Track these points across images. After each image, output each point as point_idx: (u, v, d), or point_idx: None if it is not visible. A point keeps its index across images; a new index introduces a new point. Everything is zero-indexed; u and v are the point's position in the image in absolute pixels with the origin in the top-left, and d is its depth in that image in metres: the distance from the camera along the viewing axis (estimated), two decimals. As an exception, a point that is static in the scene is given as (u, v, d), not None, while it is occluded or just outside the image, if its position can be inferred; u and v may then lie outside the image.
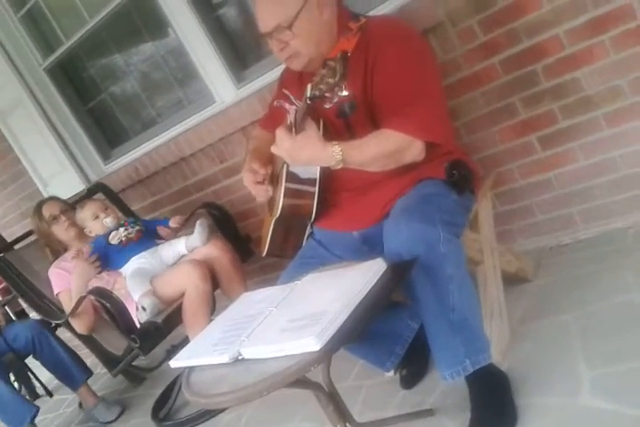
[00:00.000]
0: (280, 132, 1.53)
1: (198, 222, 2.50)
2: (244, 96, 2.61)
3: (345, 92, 1.49)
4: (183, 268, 2.40)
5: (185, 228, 2.70)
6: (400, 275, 1.39)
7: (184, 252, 2.54)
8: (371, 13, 2.07)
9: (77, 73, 3.35)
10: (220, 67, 2.69)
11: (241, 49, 2.73)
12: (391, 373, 1.89)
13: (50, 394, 3.31)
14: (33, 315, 3.58)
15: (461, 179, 1.67)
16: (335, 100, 1.58)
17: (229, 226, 2.67)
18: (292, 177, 1.74)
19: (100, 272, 2.56)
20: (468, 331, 1.51)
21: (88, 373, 3.06)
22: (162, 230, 2.71)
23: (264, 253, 1.91)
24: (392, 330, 1.77)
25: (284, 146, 1.52)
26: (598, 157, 2.01)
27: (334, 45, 1.66)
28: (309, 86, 1.50)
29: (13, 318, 3.68)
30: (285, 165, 1.73)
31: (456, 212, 1.64)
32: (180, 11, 2.65)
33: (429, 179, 1.66)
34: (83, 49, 3.21)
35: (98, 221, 2.62)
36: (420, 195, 1.60)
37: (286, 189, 1.73)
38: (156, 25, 2.88)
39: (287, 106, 1.76)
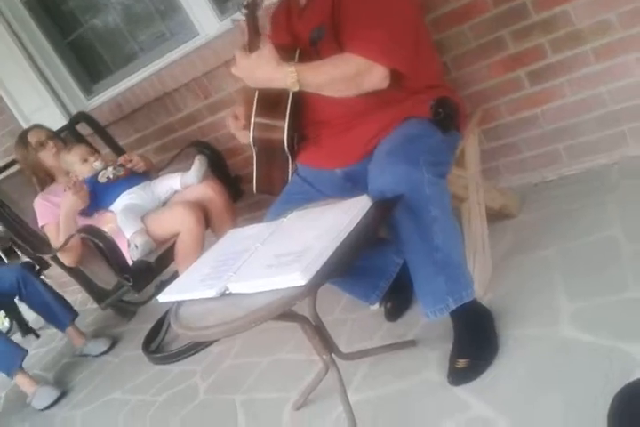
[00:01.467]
0: (236, 52, 1.49)
1: (197, 158, 2.44)
2: (228, 28, 2.49)
3: None
4: (178, 210, 2.36)
5: (176, 164, 2.65)
6: (384, 212, 1.38)
7: (178, 188, 2.50)
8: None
9: (56, 5, 3.18)
10: None
11: None
12: (376, 306, 1.91)
13: (37, 335, 3.32)
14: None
15: (447, 117, 1.63)
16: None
17: (220, 166, 2.62)
18: (262, 110, 1.70)
19: (85, 211, 2.49)
20: (451, 270, 1.51)
21: (73, 313, 3.06)
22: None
23: (255, 190, 1.88)
24: (377, 265, 1.78)
25: (241, 66, 1.48)
26: (586, 93, 1.98)
27: None
28: None
29: (2, 256, 3.67)
30: (256, 97, 1.68)
31: (441, 151, 1.60)
32: None
33: (414, 117, 1.61)
34: None
35: (87, 165, 2.55)
36: (404, 135, 1.56)
37: (255, 123, 1.70)
38: None
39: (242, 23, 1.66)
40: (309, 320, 1.49)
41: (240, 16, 1.49)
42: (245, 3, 1.46)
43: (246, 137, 1.76)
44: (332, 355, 1.56)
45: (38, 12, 3.19)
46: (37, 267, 3.17)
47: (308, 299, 1.43)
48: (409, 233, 1.48)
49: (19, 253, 3.70)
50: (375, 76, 1.49)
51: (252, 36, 1.48)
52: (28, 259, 3.24)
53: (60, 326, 3.05)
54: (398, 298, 1.90)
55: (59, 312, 3.01)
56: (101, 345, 2.99)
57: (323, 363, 1.59)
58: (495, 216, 1.99)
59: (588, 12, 1.84)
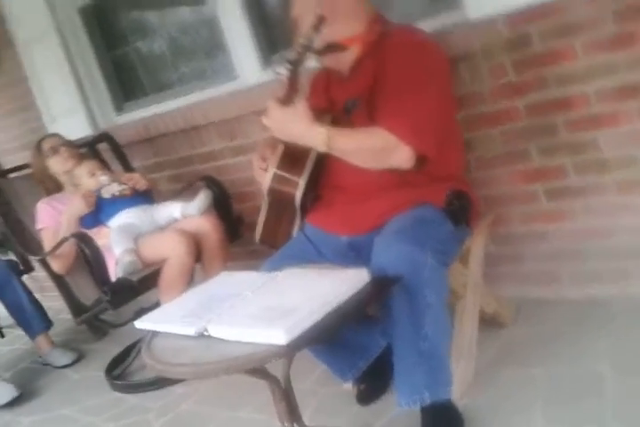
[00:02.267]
0: (270, 103, 1.50)
1: (202, 191, 2.45)
2: (268, 78, 2.51)
3: (315, 44, 1.48)
4: (171, 236, 2.34)
5: (183, 195, 2.64)
6: (380, 290, 1.37)
7: (177, 216, 2.48)
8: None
9: (109, 20, 3.23)
10: (250, 45, 2.61)
11: (274, 33, 2.64)
12: (349, 385, 1.85)
13: (2, 335, 3.22)
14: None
15: (461, 210, 1.64)
16: (310, 55, 1.53)
17: (225, 204, 2.61)
18: (284, 163, 1.70)
19: (85, 222, 2.47)
20: (435, 363, 1.48)
21: (47, 323, 2.96)
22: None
23: (257, 239, 1.87)
24: (360, 342, 1.74)
25: (273, 117, 1.49)
26: (599, 222, 1.96)
27: (351, 33, 1.65)
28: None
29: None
30: (281, 149, 1.69)
31: (449, 241, 1.60)
32: None
33: (429, 204, 1.62)
34: None
35: (93, 179, 2.55)
36: (416, 217, 1.57)
37: (274, 174, 1.69)
38: None
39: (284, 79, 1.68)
40: (280, 383, 1.43)
41: (283, 70, 1.51)
42: (291, 58, 1.48)
43: (264, 180, 1.74)
44: (295, 425, 1.48)
45: (90, 22, 3.23)
46: (21, 268, 3.11)
47: (284, 360, 1.39)
48: (401, 315, 1.46)
49: (5, 250, 3.61)
50: (402, 155, 1.51)
51: (289, 91, 1.49)
52: (12, 258, 3.18)
53: (30, 332, 2.94)
54: (374, 383, 1.83)
55: (32, 319, 2.92)
56: (66, 358, 2.90)
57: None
58: (487, 322, 1.95)
59: (617, 143, 1.85)
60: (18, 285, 2.94)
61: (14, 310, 2.94)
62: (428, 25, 1.96)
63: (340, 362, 1.76)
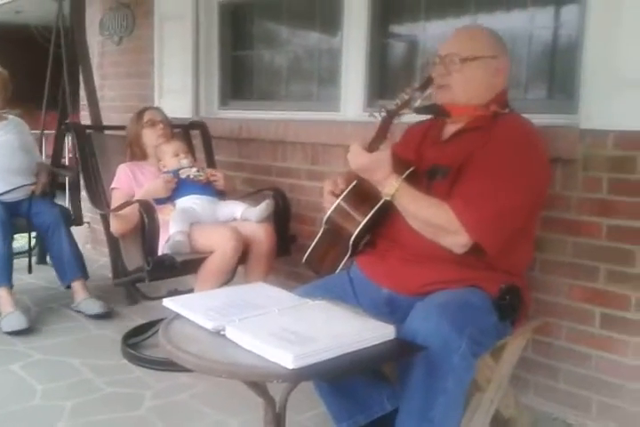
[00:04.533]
0: (354, 146, 1.49)
1: (266, 201, 2.44)
2: (366, 120, 2.53)
3: (418, 102, 1.46)
4: (224, 231, 2.33)
5: (251, 199, 2.66)
6: (401, 353, 1.30)
7: (237, 216, 2.48)
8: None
9: (244, 22, 3.29)
10: (361, 84, 2.63)
11: (387, 80, 2.66)
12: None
13: (30, 270, 3.21)
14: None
15: (510, 306, 1.55)
16: (408, 111, 1.51)
17: (284, 219, 2.59)
18: (351, 198, 1.66)
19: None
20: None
21: (82, 273, 2.95)
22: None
23: (304, 259, 1.82)
24: (366, 397, 1.66)
25: (358, 161, 1.48)
26: None
27: (463, 103, 1.64)
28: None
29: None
30: (354, 183, 1.65)
31: (489, 334, 1.51)
32: (356, 24, 2.61)
33: (480, 289, 1.53)
34: (260, 6, 3.17)
35: (175, 159, 2.58)
36: (464, 299, 1.48)
37: (338, 205, 1.66)
38: (330, 23, 2.79)
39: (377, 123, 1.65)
40: (275, 405, 1.38)
41: (378, 115, 1.52)
42: (388, 108, 1.48)
43: (328, 202, 1.71)
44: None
45: (226, 18, 3.29)
46: (73, 217, 3.18)
47: (287, 385, 1.32)
48: (415, 390, 1.39)
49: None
50: (457, 241, 1.46)
51: (377, 136, 1.49)
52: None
53: (64, 280, 2.95)
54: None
55: (69, 269, 2.94)
56: (99, 307, 2.87)
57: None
58: (499, 425, 1.82)
59: None
60: (65, 233, 2.98)
61: (55, 255, 3.00)
62: (538, 120, 1.90)
63: (341, 409, 1.69)
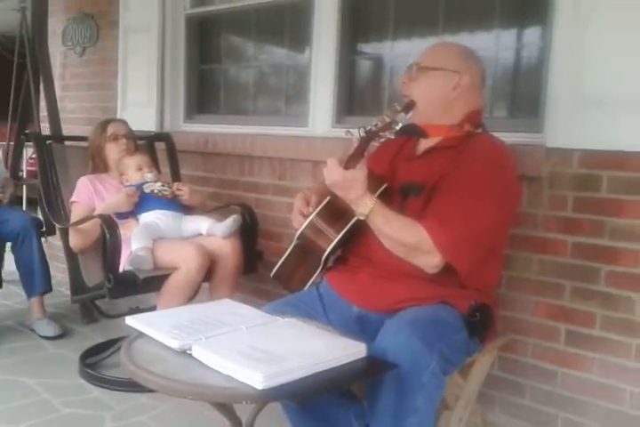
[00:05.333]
0: (331, 163, 1.47)
1: (233, 217, 2.39)
2: (334, 136, 2.50)
3: (399, 125, 1.44)
4: (189, 248, 2.27)
5: (217, 214, 2.60)
6: (373, 371, 1.27)
7: (203, 232, 2.42)
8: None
9: (211, 35, 3.25)
10: (330, 101, 2.62)
11: (355, 97, 2.67)
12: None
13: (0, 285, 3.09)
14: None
15: (480, 323, 1.54)
16: (388, 136, 1.48)
17: (251, 235, 2.54)
18: (325, 214, 1.64)
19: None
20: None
21: (47, 287, 2.86)
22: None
23: (272, 273, 1.80)
24: (333, 417, 1.63)
25: (333, 177, 1.46)
26: (612, 381, 1.83)
27: (437, 123, 1.65)
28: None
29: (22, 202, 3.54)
30: (328, 199, 1.64)
31: (458, 351, 1.49)
32: (325, 41, 2.60)
33: (451, 306, 1.52)
34: (227, 19, 3.13)
35: (139, 173, 2.51)
36: (435, 316, 1.46)
37: (311, 221, 1.64)
38: (299, 39, 2.79)
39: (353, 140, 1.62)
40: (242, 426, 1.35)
41: (356, 134, 1.49)
42: (369, 129, 1.46)
43: (297, 222, 1.69)
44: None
45: (193, 31, 3.26)
46: (44, 229, 3.03)
47: (254, 406, 1.31)
48: (384, 409, 1.36)
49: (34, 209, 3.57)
50: (429, 261, 1.46)
51: (354, 155, 1.46)
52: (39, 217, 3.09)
53: (30, 291, 2.85)
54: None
55: (36, 279, 2.83)
56: (51, 329, 2.78)
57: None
58: None
59: None
60: (36, 242, 2.85)
61: (23, 264, 2.86)
62: (505, 139, 1.91)
63: (307, 429, 1.62)
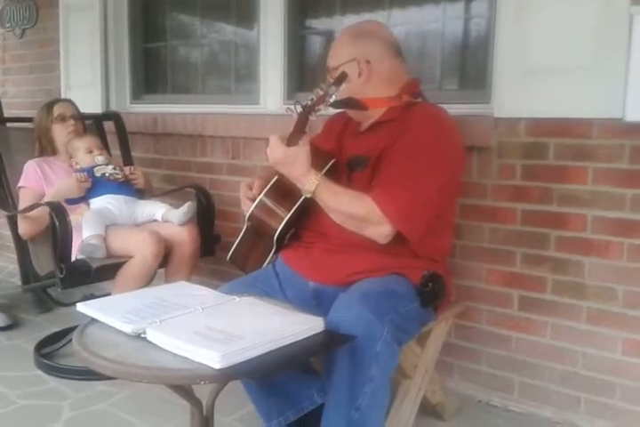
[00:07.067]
0: (273, 140, 1.46)
1: (188, 203, 2.33)
2: (286, 113, 2.51)
3: (332, 98, 1.44)
4: (143, 235, 2.20)
5: (171, 197, 2.55)
6: (330, 345, 1.28)
7: (158, 217, 2.36)
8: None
9: (155, 12, 3.16)
10: (280, 78, 2.59)
11: (305, 73, 2.63)
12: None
13: None
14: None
15: (432, 293, 1.56)
16: (323, 109, 1.48)
17: (208, 218, 2.49)
18: (273, 194, 1.64)
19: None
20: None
21: None
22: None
23: (228, 257, 1.79)
24: (294, 392, 1.62)
25: (275, 155, 1.45)
26: (564, 344, 1.89)
27: (376, 95, 1.65)
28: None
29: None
30: (275, 179, 1.63)
31: (411, 320, 1.51)
32: (272, 17, 2.56)
33: (404, 277, 1.54)
34: None
35: (89, 156, 2.42)
36: (386, 287, 1.48)
37: (260, 201, 1.63)
38: (246, 16, 2.73)
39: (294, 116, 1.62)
40: (202, 408, 1.32)
41: (295, 110, 1.49)
42: (304, 104, 1.45)
43: (245, 206, 1.68)
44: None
45: (137, 9, 3.15)
46: None
47: (214, 386, 1.28)
48: (340, 380, 1.37)
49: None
50: (380, 231, 1.47)
51: (295, 131, 1.46)
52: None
53: None
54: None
55: None
56: (0, 320, 2.69)
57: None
58: (426, 410, 1.84)
59: (600, 273, 1.80)
60: None
61: None
62: (454, 110, 1.92)
63: (270, 406, 1.64)
